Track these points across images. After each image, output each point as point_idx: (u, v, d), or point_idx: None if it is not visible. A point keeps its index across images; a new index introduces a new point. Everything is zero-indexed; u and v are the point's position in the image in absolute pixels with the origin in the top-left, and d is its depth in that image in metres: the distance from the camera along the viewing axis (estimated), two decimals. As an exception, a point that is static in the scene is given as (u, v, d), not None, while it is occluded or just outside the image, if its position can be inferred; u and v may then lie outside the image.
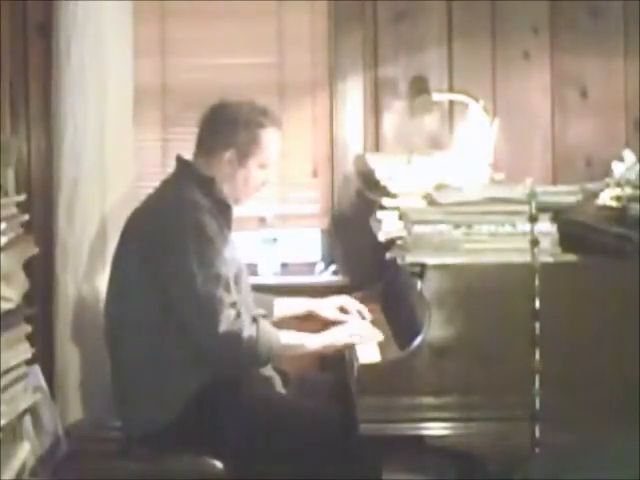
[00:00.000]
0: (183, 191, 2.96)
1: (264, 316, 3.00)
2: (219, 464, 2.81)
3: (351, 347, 2.94)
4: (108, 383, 3.06)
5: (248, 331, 2.78)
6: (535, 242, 2.43)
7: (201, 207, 2.90)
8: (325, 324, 3.19)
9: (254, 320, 2.83)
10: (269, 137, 3.04)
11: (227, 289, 2.82)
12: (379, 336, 2.98)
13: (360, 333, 2.99)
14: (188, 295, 2.80)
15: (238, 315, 2.79)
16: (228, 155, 3.00)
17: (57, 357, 3.60)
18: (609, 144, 3.77)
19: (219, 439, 2.81)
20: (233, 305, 2.80)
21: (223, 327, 2.76)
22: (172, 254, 2.84)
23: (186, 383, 2.84)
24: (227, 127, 3.01)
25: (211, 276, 2.80)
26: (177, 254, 2.82)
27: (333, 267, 3.91)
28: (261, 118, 3.03)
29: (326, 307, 3.29)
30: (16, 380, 3.14)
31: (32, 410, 3.30)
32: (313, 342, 2.96)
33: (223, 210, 3.00)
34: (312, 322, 3.28)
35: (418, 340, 2.64)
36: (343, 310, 3.28)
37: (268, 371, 3.01)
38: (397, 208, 3.04)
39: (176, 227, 2.86)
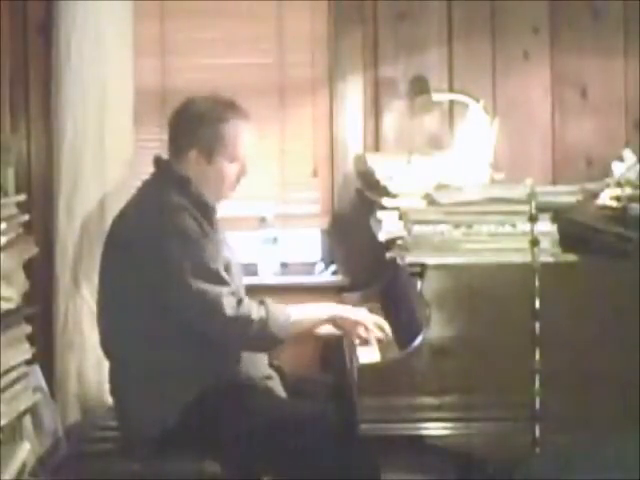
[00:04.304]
0: (162, 193, 2.91)
1: None
2: (219, 466, 2.81)
3: (352, 339, 2.94)
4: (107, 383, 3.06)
5: (257, 313, 2.77)
6: (535, 242, 2.43)
7: (180, 208, 2.85)
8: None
9: (261, 302, 2.81)
10: (234, 130, 2.97)
11: (221, 281, 2.79)
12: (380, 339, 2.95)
13: (369, 325, 2.92)
14: (183, 297, 2.77)
15: (240, 301, 2.77)
16: (193, 154, 2.95)
17: (57, 357, 3.60)
18: (609, 144, 3.77)
19: (219, 441, 2.80)
20: (233, 294, 2.78)
21: (229, 312, 2.74)
22: (158, 260, 2.79)
23: (186, 386, 2.82)
24: (190, 125, 2.97)
25: (202, 273, 2.77)
26: (163, 259, 2.79)
27: (333, 267, 3.91)
28: (223, 112, 2.97)
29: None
30: (16, 380, 3.15)
31: (32, 410, 3.30)
32: (321, 312, 2.95)
33: (203, 209, 2.92)
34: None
35: (418, 340, 2.64)
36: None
37: (266, 370, 3.01)
38: (397, 208, 3.04)
39: (158, 232, 2.82)
